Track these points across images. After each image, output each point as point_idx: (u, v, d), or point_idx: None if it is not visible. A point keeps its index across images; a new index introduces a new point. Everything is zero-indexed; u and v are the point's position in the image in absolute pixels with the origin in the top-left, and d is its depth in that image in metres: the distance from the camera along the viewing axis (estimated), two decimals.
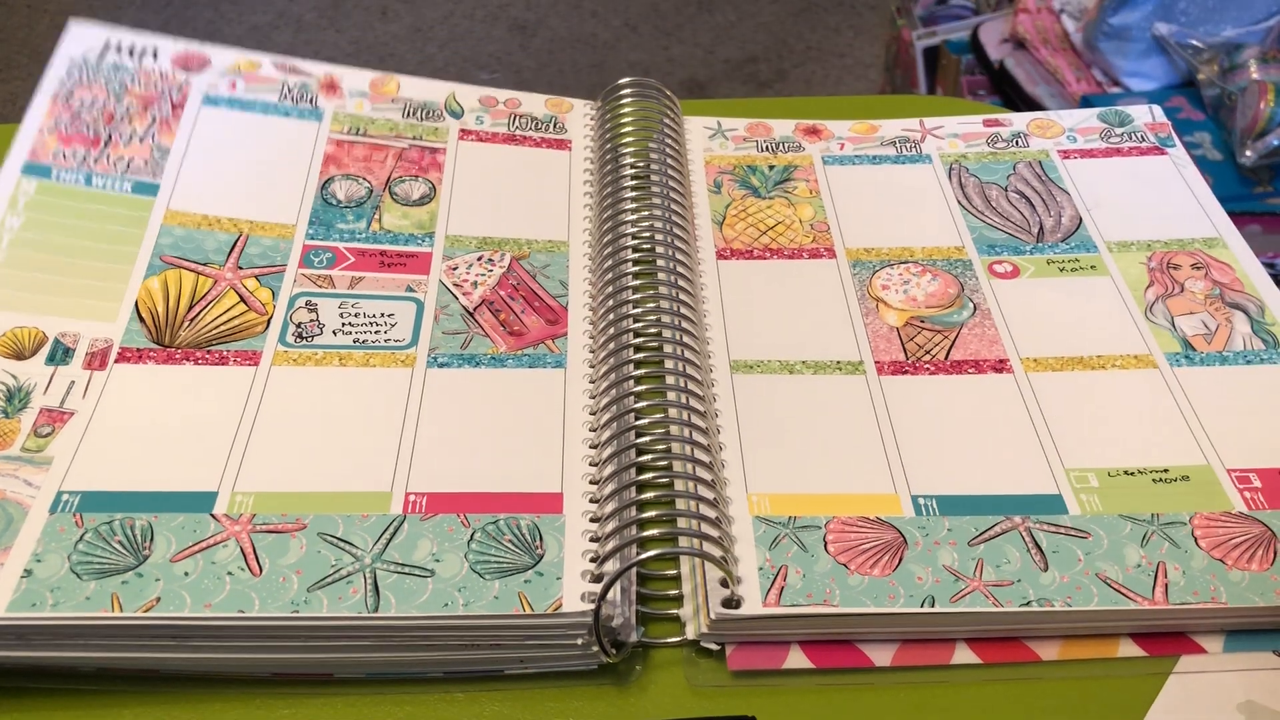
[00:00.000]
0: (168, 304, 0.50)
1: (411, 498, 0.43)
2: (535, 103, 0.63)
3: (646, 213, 0.54)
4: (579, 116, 0.63)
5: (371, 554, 0.40)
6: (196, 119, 0.59)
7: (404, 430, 0.46)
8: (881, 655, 0.40)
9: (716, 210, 0.58)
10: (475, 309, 0.52)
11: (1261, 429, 0.46)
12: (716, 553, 0.40)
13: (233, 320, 0.50)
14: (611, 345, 0.48)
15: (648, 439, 0.45)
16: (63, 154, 0.55)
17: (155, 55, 0.60)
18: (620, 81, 0.62)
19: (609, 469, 0.44)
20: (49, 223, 0.52)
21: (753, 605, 0.40)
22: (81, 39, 0.60)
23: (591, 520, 0.42)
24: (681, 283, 0.51)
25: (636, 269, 0.51)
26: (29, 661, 0.39)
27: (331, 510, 0.42)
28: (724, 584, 0.40)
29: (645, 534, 0.41)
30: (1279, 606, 0.40)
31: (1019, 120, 0.64)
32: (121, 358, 0.48)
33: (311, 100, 0.61)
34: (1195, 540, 0.42)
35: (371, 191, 0.57)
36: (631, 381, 0.47)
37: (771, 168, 0.61)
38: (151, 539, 0.41)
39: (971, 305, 0.53)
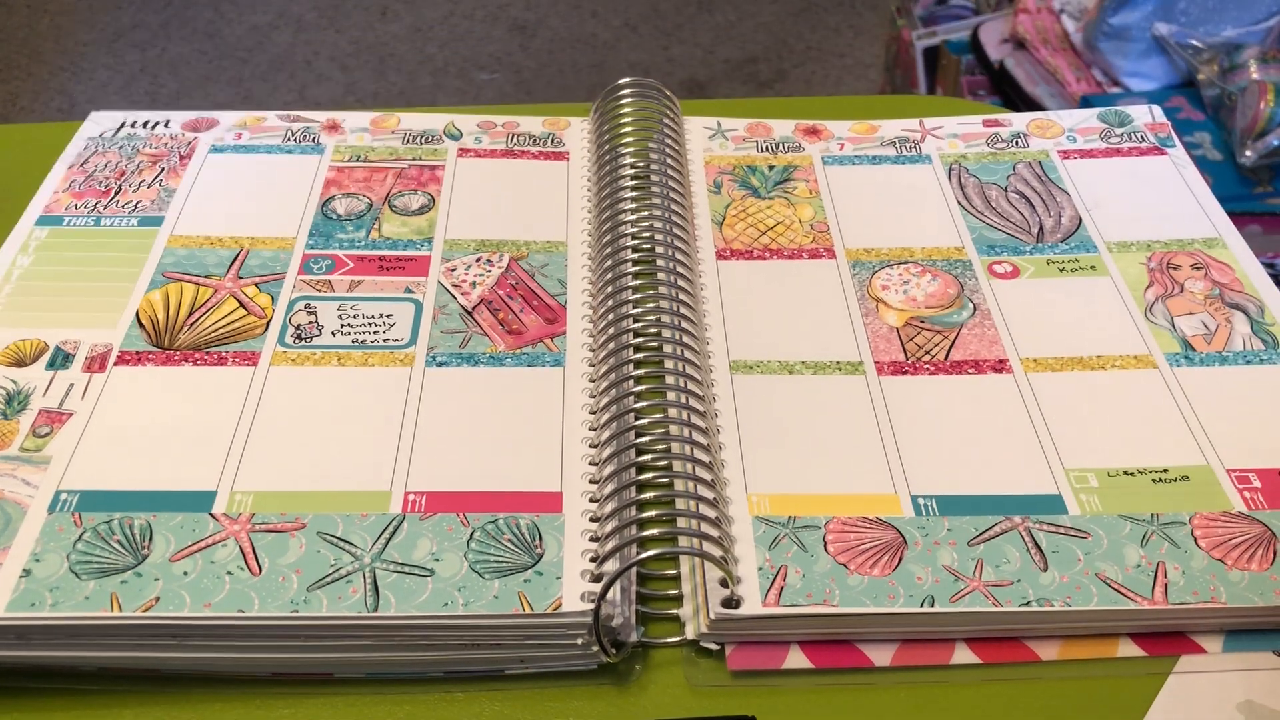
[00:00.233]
0: (168, 312, 0.51)
1: (411, 497, 0.43)
2: (533, 123, 0.64)
3: (646, 213, 0.54)
4: (577, 132, 0.63)
5: (371, 553, 0.40)
6: (203, 164, 0.60)
7: (403, 429, 0.46)
8: (881, 655, 0.40)
9: (716, 210, 0.58)
10: (474, 308, 0.52)
11: (1261, 429, 0.46)
12: (716, 553, 0.40)
13: (232, 324, 0.50)
14: (611, 345, 0.48)
15: (647, 439, 0.45)
16: (74, 205, 0.57)
17: (167, 125, 0.63)
18: (620, 81, 0.62)
19: (609, 469, 0.44)
20: (57, 258, 0.54)
21: (752, 605, 0.40)
22: (100, 121, 0.63)
23: (591, 520, 0.42)
24: (681, 283, 0.51)
25: (636, 269, 0.51)
26: (29, 661, 0.39)
27: (331, 509, 0.42)
28: (724, 584, 0.40)
29: (645, 534, 0.41)
30: (1278, 606, 0.40)
31: (1019, 120, 0.64)
32: (121, 360, 0.48)
33: (314, 140, 0.62)
34: (1195, 540, 0.42)
35: (371, 205, 0.57)
36: (631, 381, 0.47)
37: (771, 168, 0.61)
38: (150, 538, 0.41)
39: (971, 305, 0.53)
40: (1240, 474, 0.44)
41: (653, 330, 0.49)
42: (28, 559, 0.40)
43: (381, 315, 0.51)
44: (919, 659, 0.40)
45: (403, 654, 0.39)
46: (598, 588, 0.39)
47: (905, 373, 0.49)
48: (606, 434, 0.45)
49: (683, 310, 0.49)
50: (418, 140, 0.62)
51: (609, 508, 0.42)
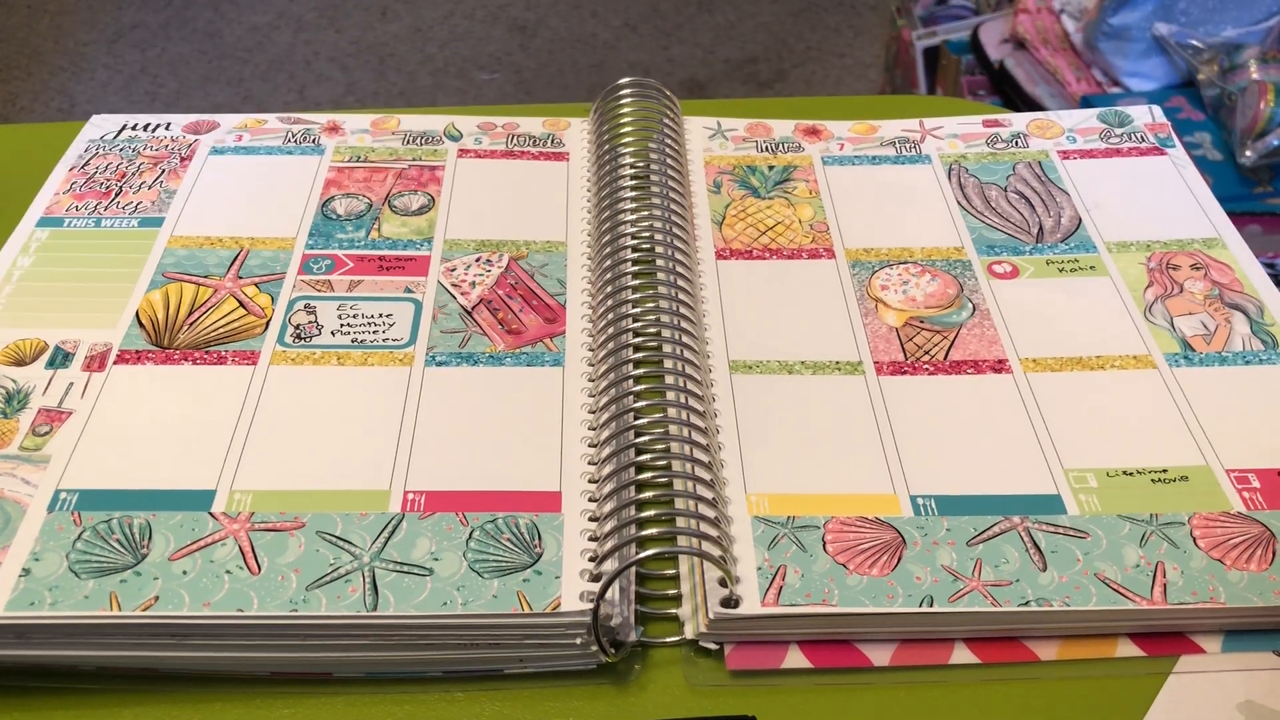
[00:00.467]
0: (168, 311, 0.51)
1: (410, 496, 0.43)
2: (533, 124, 0.64)
3: (646, 213, 0.54)
4: (576, 133, 0.63)
5: (370, 552, 0.40)
6: (203, 166, 0.60)
7: (402, 429, 0.46)
8: (880, 655, 0.40)
9: (716, 210, 0.58)
10: (473, 308, 0.52)
11: (1260, 429, 0.46)
12: (715, 552, 0.40)
13: (231, 323, 0.50)
14: (611, 345, 0.48)
15: (646, 439, 0.45)
16: (75, 207, 0.57)
17: (168, 127, 0.63)
18: (620, 81, 0.63)
19: (608, 468, 0.44)
20: (58, 258, 0.54)
21: (751, 605, 0.40)
22: (101, 124, 0.63)
23: (590, 519, 0.42)
24: (681, 282, 0.51)
25: (636, 269, 0.51)
26: (28, 660, 0.39)
27: (330, 509, 0.42)
28: (723, 583, 0.40)
29: (644, 533, 0.41)
30: (1277, 606, 0.40)
31: (1019, 121, 0.64)
32: (120, 359, 0.48)
33: (314, 141, 0.62)
34: (1194, 540, 0.42)
35: (371, 205, 0.57)
36: (631, 381, 0.47)
37: (771, 168, 0.61)
38: (150, 537, 0.41)
39: (971, 306, 0.53)
40: (1239, 474, 0.44)
41: (652, 330, 0.49)
42: (27, 558, 0.40)
43: (381, 315, 0.51)
44: (918, 659, 0.40)
45: (402, 653, 0.39)
46: (597, 587, 0.39)
47: (904, 373, 0.49)
48: (606, 434, 0.45)
49: (682, 310, 0.50)
50: (418, 141, 0.62)
51: (608, 507, 0.42)
